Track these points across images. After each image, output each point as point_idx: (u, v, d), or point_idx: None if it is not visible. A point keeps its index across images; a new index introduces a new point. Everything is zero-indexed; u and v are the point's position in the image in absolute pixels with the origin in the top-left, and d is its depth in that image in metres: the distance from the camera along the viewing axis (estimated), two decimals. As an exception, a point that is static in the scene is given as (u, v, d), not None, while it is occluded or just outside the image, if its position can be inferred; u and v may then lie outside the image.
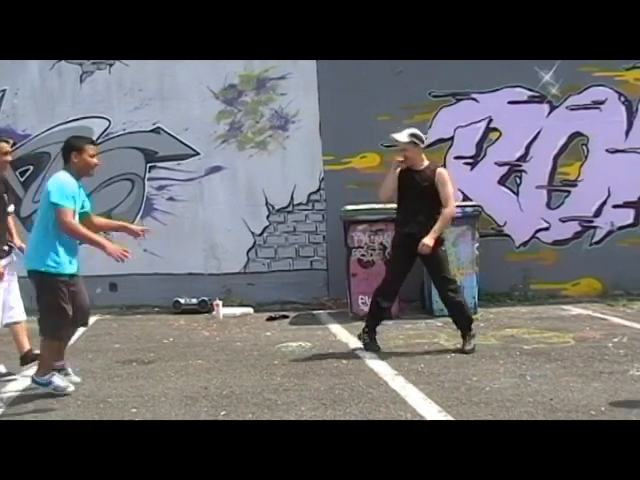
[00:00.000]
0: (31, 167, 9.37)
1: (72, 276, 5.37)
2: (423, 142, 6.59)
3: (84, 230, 5.30)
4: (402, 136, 6.53)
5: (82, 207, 5.46)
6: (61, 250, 5.24)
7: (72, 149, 5.42)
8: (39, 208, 5.48)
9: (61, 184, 5.28)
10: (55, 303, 5.20)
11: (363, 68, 8.83)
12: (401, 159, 6.53)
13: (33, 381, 5.41)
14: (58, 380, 5.40)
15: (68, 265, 5.30)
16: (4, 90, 9.39)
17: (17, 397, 5.42)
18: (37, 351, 5.85)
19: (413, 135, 6.53)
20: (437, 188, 6.43)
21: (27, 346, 6.11)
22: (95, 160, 5.46)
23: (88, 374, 6.05)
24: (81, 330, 7.94)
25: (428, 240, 6.29)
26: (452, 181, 6.63)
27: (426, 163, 6.60)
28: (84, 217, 5.51)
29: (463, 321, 6.57)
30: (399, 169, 6.58)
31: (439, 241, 6.45)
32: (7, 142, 6.35)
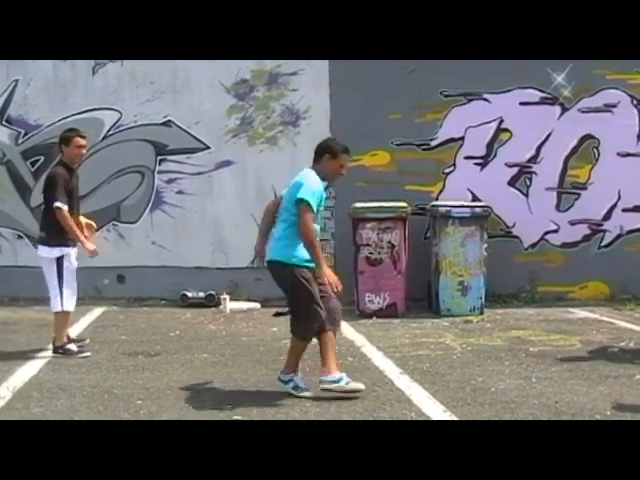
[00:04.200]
0: (42, 157, 9.38)
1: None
2: None
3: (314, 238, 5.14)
4: None
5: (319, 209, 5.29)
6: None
7: (327, 151, 5.28)
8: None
9: (311, 183, 5.17)
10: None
11: (375, 66, 8.81)
12: None
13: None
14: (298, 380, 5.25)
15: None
16: (17, 80, 9.41)
17: (24, 385, 5.44)
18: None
19: None
20: None
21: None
22: (344, 171, 5.35)
23: (94, 365, 6.07)
24: (88, 321, 8.02)
25: None
26: None
27: None
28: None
29: None
30: None
31: None
32: (82, 137, 6.56)
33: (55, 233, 6.35)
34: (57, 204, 6.28)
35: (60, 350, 6.39)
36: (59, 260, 6.35)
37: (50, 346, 6.58)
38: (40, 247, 6.51)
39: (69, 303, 6.41)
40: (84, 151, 6.64)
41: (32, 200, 9.41)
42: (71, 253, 6.41)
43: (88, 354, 6.42)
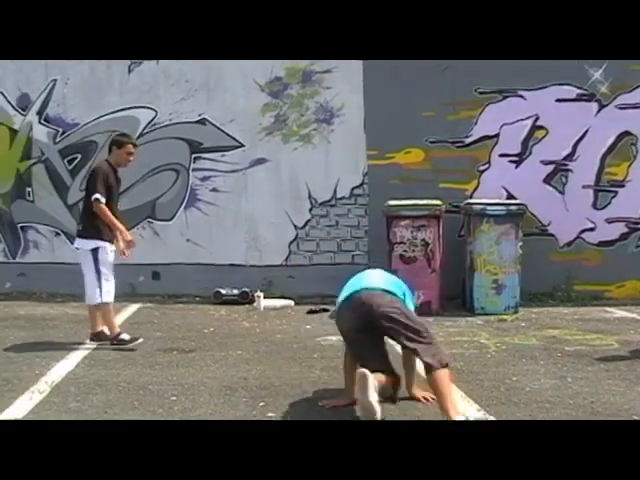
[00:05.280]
0: (79, 155, 9.53)
1: None
2: None
3: None
4: None
5: None
6: None
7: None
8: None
9: None
10: None
11: (409, 63, 8.74)
12: None
13: None
14: None
15: None
16: (55, 80, 9.55)
17: (61, 380, 5.52)
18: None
19: None
20: None
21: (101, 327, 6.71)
22: None
23: (129, 361, 6.14)
24: (123, 318, 8.12)
25: None
26: None
27: None
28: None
29: None
30: None
31: None
32: (135, 145, 6.82)
33: (91, 226, 6.49)
34: (96, 196, 6.44)
35: (115, 341, 6.56)
36: (94, 252, 6.48)
37: (87, 341, 6.71)
38: (77, 240, 6.68)
39: (107, 295, 6.55)
40: (132, 159, 6.77)
41: (69, 197, 9.57)
42: (106, 246, 6.52)
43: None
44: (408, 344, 4.59)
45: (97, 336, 6.70)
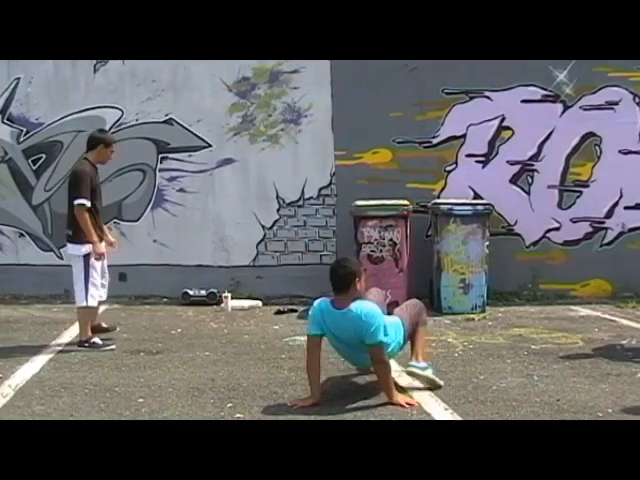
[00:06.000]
0: (43, 155, 9.40)
1: None
2: None
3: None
4: None
5: None
6: None
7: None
8: None
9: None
10: None
11: (376, 64, 8.79)
12: None
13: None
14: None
15: None
16: (18, 78, 9.41)
17: (26, 383, 5.45)
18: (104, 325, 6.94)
19: None
20: None
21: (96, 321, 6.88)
22: None
23: (96, 363, 6.08)
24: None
25: None
26: None
27: None
28: None
29: None
30: None
31: None
32: (115, 143, 6.92)
33: (81, 230, 6.46)
34: (80, 201, 6.42)
35: (86, 344, 6.56)
36: (86, 257, 6.48)
37: (52, 343, 6.63)
38: (69, 245, 6.64)
39: (92, 299, 6.56)
40: (112, 156, 6.87)
41: (34, 198, 9.44)
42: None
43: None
44: None
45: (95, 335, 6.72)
